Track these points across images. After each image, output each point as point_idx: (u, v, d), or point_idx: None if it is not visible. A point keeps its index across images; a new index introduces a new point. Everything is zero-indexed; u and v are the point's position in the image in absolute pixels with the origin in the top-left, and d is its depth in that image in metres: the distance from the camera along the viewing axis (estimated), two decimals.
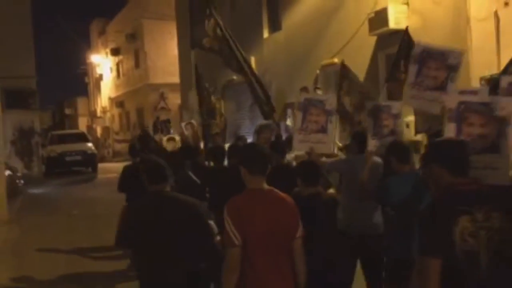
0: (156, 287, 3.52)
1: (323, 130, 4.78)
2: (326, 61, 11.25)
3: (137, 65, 30.13)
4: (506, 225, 2.28)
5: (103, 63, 37.07)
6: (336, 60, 11.12)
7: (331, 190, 5.20)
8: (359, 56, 10.12)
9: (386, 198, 4.19)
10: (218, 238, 3.72)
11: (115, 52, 32.96)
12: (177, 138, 9.77)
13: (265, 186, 3.06)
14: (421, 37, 8.56)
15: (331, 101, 4.97)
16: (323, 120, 4.72)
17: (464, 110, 3.36)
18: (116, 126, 34.83)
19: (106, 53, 35.20)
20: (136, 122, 30.04)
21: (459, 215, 2.28)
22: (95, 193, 14.88)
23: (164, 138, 10.07)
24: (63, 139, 22.50)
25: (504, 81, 3.95)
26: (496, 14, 7.16)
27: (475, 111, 3.34)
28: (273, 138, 6.42)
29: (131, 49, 30.21)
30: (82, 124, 43.96)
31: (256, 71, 14.27)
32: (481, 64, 7.38)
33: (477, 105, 3.35)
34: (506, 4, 7.03)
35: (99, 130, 38.76)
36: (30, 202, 14.18)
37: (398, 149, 4.28)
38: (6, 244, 9.13)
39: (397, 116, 4.83)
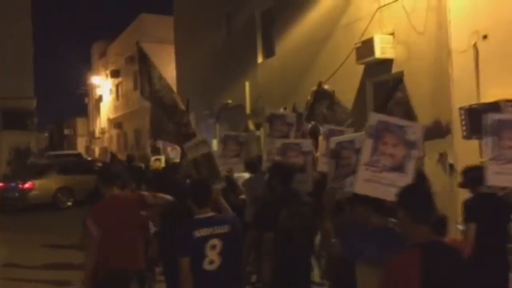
0: None
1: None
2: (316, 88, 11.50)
3: (136, 87, 30.45)
4: None
5: (103, 85, 37.51)
6: (326, 87, 11.38)
7: None
8: (348, 83, 10.37)
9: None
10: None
11: (115, 74, 33.39)
12: (163, 158, 10.15)
13: None
14: (406, 67, 8.89)
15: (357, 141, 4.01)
16: (354, 161, 3.83)
17: (382, 129, 3.57)
18: (114, 146, 35.04)
19: (106, 75, 35.65)
20: (134, 143, 30.25)
21: None
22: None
23: (152, 158, 10.57)
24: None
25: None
26: (475, 47, 7.41)
27: (391, 131, 3.57)
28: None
29: (131, 71, 30.60)
30: (81, 144, 44.20)
31: (250, 95, 14.70)
32: (461, 94, 7.60)
33: (393, 126, 3.60)
34: (485, 37, 7.28)
35: (97, 151, 38.95)
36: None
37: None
38: None
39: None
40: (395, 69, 9.14)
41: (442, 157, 8.03)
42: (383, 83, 9.80)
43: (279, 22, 13.30)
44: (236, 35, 15.83)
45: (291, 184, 4.54)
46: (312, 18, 11.67)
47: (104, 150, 36.64)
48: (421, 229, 2.61)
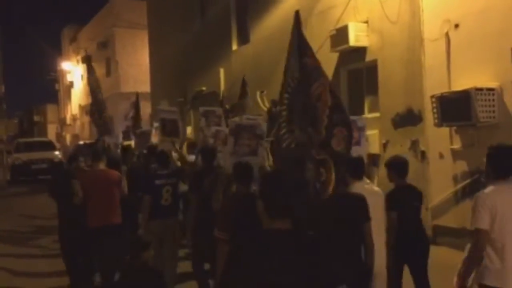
0: None
1: (254, 153, 5.55)
2: None
3: (108, 73, 29.96)
4: None
5: (74, 71, 36.75)
6: None
7: None
8: None
9: None
10: None
11: (86, 59, 32.73)
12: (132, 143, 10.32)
13: None
14: (379, 55, 8.97)
15: (261, 127, 5.77)
16: (254, 144, 5.48)
17: (239, 129, 5.47)
18: (86, 134, 34.47)
19: (77, 61, 34.91)
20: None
21: None
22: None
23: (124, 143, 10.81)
24: (29, 147, 22.11)
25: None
26: (447, 35, 7.52)
27: (245, 130, 5.48)
28: None
29: (103, 57, 30.05)
30: (51, 131, 43.33)
31: (224, 82, 14.65)
32: (433, 82, 7.73)
33: (247, 127, 5.55)
34: (456, 26, 7.39)
35: (68, 138, 38.25)
36: None
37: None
38: None
39: (261, 137, 5.67)
40: (369, 57, 9.22)
41: (414, 144, 8.18)
42: (357, 71, 9.89)
43: (253, 9, 13.22)
44: (211, 21, 15.68)
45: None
46: (287, 5, 11.63)
47: (75, 138, 36.03)
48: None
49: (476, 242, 3.40)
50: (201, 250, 5.36)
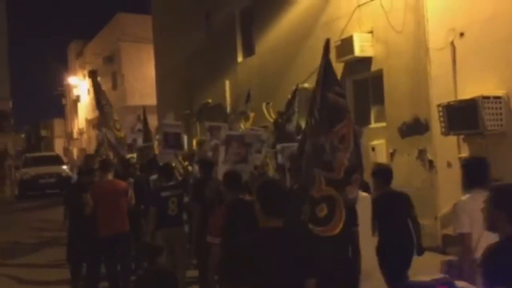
0: None
1: (244, 160, 5.99)
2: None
3: (114, 87, 30.14)
4: None
5: (80, 85, 36.99)
6: (306, 85, 11.44)
7: None
8: None
9: None
10: None
11: (92, 75, 32.96)
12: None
13: None
14: (385, 65, 8.99)
15: (250, 136, 6.29)
16: (243, 152, 5.93)
17: (229, 139, 5.91)
18: (92, 148, 34.57)
19: (84, 75, 35.14)
20: None
21: None
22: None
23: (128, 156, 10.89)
24: (37, 162, 22.22)
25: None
26: (452, 44, 7.53)
27: (235, 140, 5.95)
28: None
29: (109, 71, 30.25)
30: (59, 145, 43.54)
31: (230, 95, 14.71)
32: (439, 91, 7.72)
33: (237, 137, 6.07)
34: (462, 34, 7.40)
35: (75, 152, 38.40)
36: None
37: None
38: None
39: (249, 145, 6.09)
40: (374, 67, 9.24)
41: (421, 153, 8.15)
42: (363, 81, 9.90)
43: (258, 21, 13.31)
44: (216, 34, 15.79)
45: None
46: (292, 16, 11.71)
47: (82, 152, 36.16)
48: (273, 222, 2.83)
49: (464, 245, 3.69)
50: (205, 257, 5.45)
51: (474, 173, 3.85)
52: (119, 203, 6.06)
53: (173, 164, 7.13)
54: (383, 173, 5.14)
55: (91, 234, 5.93)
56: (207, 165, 6.12)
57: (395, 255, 4.86)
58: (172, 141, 7.72)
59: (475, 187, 3.72)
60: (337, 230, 3.51)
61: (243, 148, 5.83)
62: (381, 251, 4.86)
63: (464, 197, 3.76)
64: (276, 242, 2.72)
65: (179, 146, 7.81)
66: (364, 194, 4.74)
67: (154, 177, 7.23)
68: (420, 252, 5.08)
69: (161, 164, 7.06)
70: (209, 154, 7.09)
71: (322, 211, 3.56)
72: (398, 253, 4.90)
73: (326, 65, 3.90)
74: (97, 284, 6.28)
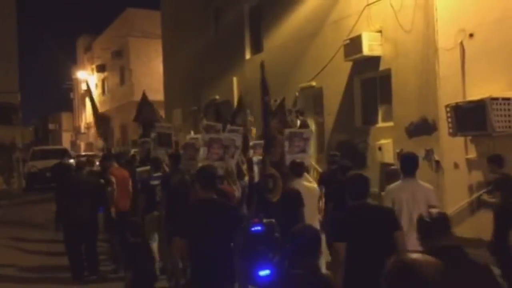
0: None
1: (221, 159, 6.72)
2: (304, 84, 11.58)
3: (122, 82, 30.26)
4: None
5: (88, 79, 37.10)
6: (314, 83, 11.45)
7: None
8: (336, 80, 10.44)
9: None
10: None
11: (100, 68, 33.10)
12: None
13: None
14: (393, 64, 8.96)
15: (227, 139, 6.96)
16: (221, 152, 6.72)
17: (211, 141, 6.63)
18: (100, 142, 34.73)
19: (92, 70, 35.31)
20: (120, 138, 30.04)
21: None
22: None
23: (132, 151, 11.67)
24: (45, 155, 22.27)
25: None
26: (461, 45, 7.50)
27: (216, 141, 6.65)
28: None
29: (117, 66, 30.38)
30: (66, 139, 43.76)
31: (237, 91, 14.71)
32: (447, 92, 7.70)
33: (217, 139, 6.70)
34: (471, 35, 7.37)
35: (83, 146, 38.60)
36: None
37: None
38: None
39: (227, 147, 6.81)
40: (382, 67, 9.22)
41: (428, 153, 8.13)
42: (371, 80, 9.88)
43: (267, 18, 13.30)
44: (224, 30, 15.80)
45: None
46: (301, 14, 11.70)
47: (89, 146, 36.34)
48: None
49: None
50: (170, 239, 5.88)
51: (404, 165, 4.65)
52: (129, 186, 7.68)
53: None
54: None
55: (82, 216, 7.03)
56: (175, 159, 7.05)
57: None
58: (164, 140, 8.82)
59: (406, 177, 4.56)
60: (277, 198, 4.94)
61: (222, 148, 6.71)
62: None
63: (392, 185, 4.63)
64: (208, 207, 3.91)
65: (169, 144, 8.85)
66: (310, 185, 5.82)
67: (140, 169, 8.19)
68: None
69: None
70: (181, 151, 7.97)
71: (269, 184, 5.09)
72: None
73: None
74: (97, 267, 7.19)
